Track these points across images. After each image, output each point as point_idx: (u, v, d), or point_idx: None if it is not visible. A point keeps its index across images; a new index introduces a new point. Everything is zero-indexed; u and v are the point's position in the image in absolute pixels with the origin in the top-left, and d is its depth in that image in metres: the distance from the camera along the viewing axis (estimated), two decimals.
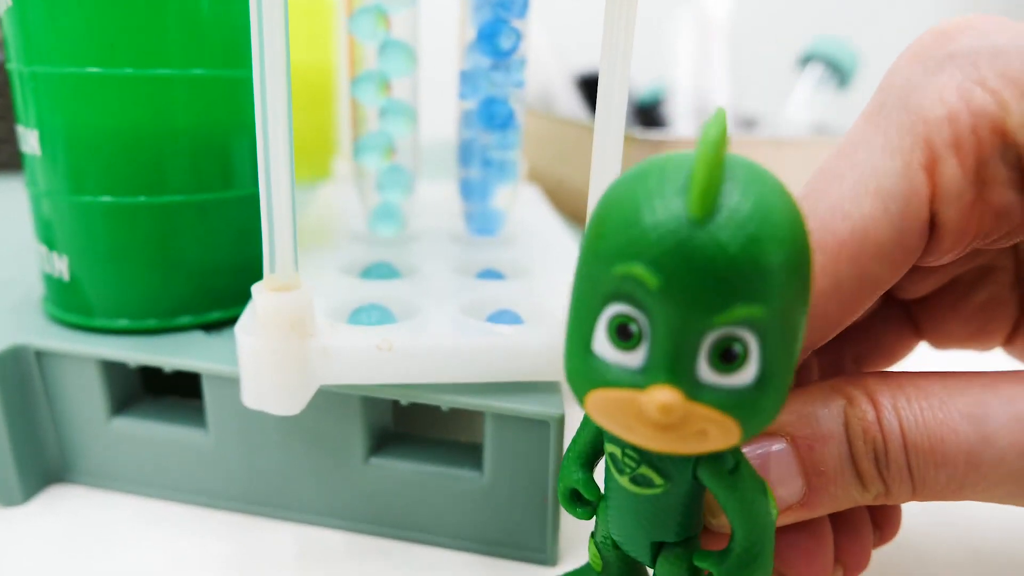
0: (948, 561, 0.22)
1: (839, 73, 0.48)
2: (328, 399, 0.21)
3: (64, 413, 0.23)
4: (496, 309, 0.23)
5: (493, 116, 0.27)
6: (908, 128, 0.15)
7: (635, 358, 0.12)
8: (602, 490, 0.16)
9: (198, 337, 0.23)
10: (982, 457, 0.14)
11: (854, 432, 0.15)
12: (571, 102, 0.52)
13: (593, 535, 0.17)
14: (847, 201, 0.15)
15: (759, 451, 0.15)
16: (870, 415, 0.15)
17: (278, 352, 0.18)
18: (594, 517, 0.16)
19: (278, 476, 0.22)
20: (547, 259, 0.28)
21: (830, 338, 0.16)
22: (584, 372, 0.12)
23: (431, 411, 0.22)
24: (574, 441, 0.16)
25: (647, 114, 0.57)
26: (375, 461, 0.21)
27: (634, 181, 0.12)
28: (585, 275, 0.12)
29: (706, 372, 0.11)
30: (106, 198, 0.22)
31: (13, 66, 0.22)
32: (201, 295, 0.24)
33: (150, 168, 0.22)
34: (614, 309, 0.12)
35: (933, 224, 0.15)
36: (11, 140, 0.49)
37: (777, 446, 0.15)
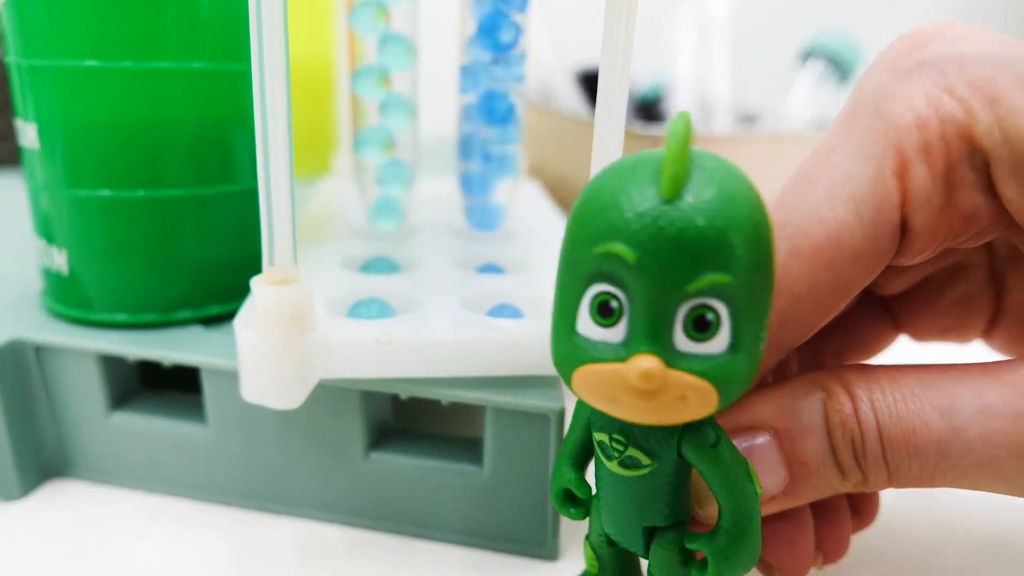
0: (925, 544, 0.22)
1: (840, 68, 0.47)
2: (328, 393, 0.21)
3: (63, 408, 0.23)
4: (496, 303, 0.23)
5: (493, 110, 0.27)
6: (880, 134, 0.15)
7: (616, 333, 0.13)
8: (593, 491, 0.16)
9: (197, 331, 0.23)
10: (951, 447, 0.14)
11: (833, 424, 0.15)
12: (571, 98, 0.52)
13: (587, 537, 0.17)
14: (822, 207, 0.15)
15: (744, 444, 0.16)
16: (848, 408, 0.15)
17: (277, 346, 0.18)
18: (587, 518, 0.17)
19: (277, 471, 0.22)
20: (547, 254, 0.27)
21: (808, 337, 0.16)
22: (570, 352, 0.13)
23: (431, 405, 0.22)
24: (564, 443, 0.16)
25: (647, 109, 0.56)
26: (375, 455, 0.21)
27: (610, 174, 0.13)
28: (568, 261, 0.13)
29: (682, 341, 0.12)
30: (105, 192, 0.22)
31: (11, 59, 0.22)
32: (200, 289, 0.24)
33: (149, 162, 0.22)
34: (595, 289, 0.13)
35: (904, 227, 0.15)
36: (10, 136, 0.49)
37: (761, 439, 0.16)
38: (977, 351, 0.22)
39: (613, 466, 0.15)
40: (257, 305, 0.18)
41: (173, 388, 0.24)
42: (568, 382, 0.13)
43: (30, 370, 0.22)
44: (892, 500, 0.24)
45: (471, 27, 0.26)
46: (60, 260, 0.23)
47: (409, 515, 0.22)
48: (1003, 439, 0.14)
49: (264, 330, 0.18)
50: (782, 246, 0.15)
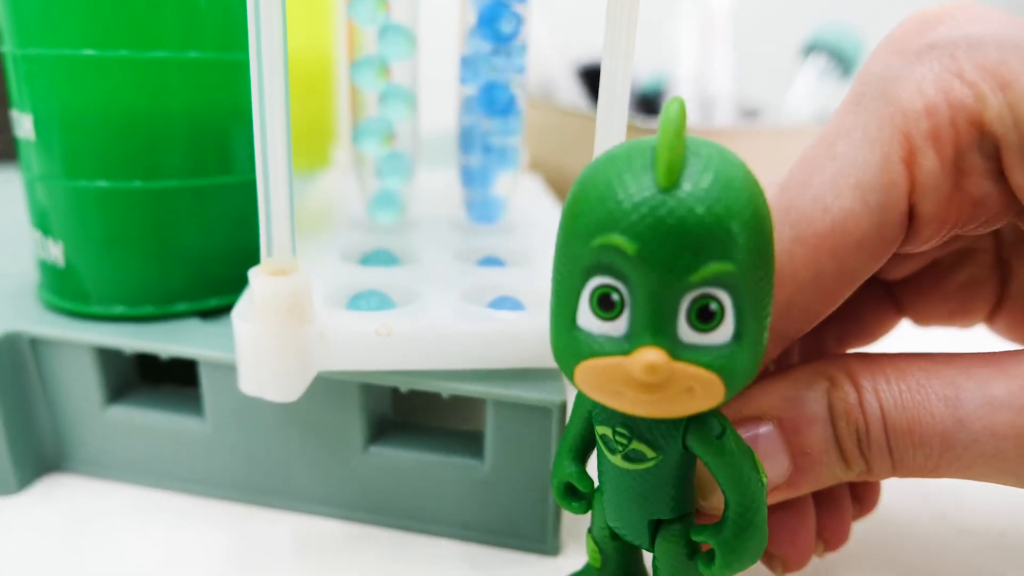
0: (925, 534, 0.22)
1: (842, 62, 0.47)
2: (326, 386, 0.20)
3: (59, 401, 0.23)
4: (497, 296, 0.22)
5: (494, 101, 0.27)
6: (887, 120, 0.15)
7: (618, 326, 0.12)
8: (595, 484, 0.16)
9: (195, 324, 0.23)
10: (956, 439, 0.14)
11: (837, 414, 0.15)
12: (573, 92, 0.52)
13: (590, 530, 0.17)
14: (827, 194, 0.15)
15: (747, 434, 0.16)
16: (852, 397, 0.15)
17: (276, 338, 0.18)
18: (590, 512, 0.16)
19: (276, 464, 0.22)
20: (549, 247, 0.27)
21: (812, 326, 0.16)
22: (571, 347, 0.13)
23: (431, 398, 0.22)
24: (564, 437, 0.16)
25: (649, 103, 0.56)
26: (374, 449, 0.21)
27: (604, 164, 0.12)
28: (565, 254, 0.13)
29: (686, 332, 0.12)
30: (101, 183, 0.22)
31: (7, 49, 0.22)
32: (198, 282, 0.23)
33: (146, 152, 0.22)
34: (595, 282, 0.12)
35: (912, 215, 0.15)
36: (5, 129, 0.49)
37: (764, 428, 0.16)
38: (980, 336, 0.22)
39: (617, 460, 0.14)
40: (255, 296, 0.18)
41: (170, 381, 0.24)
42: (570, 377, 0.13)
43: (26, 363, 0.22)
44: (892, 490, 0.24)
45: (472, 17, 0.26)
46: (56, 252, 0.23)
47: (409, 509, 0.22)
48: (1008, 431, 0.14)
49: (262, 321, 0.18)
50: (786, 232, 0.15)
